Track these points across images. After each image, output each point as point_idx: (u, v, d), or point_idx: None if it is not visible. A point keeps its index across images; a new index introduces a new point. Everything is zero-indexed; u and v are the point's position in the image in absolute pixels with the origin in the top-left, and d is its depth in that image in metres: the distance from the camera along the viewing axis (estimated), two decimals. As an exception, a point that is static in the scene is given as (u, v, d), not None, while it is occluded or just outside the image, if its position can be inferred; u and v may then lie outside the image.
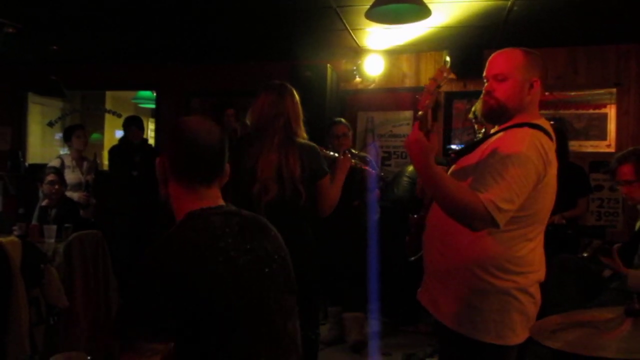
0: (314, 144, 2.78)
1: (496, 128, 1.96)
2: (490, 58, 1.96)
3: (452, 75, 1.84)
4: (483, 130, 3.32)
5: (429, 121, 1.78)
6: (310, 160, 2.69)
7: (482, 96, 1.96)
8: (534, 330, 1.52)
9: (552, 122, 2.02)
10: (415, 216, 2.19)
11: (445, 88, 5.41)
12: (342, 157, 2.96)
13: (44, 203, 4.51)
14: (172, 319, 1.30)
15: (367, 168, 3.62)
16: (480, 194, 1.66)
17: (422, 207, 2.20)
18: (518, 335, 1.82)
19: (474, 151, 1.95)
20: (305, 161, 2.67)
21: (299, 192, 2.64)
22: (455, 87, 5.44)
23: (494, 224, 1.67)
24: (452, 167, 2.03)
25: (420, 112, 1.78)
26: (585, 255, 2.84)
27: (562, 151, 2.66)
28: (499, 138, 1.86)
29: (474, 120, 3.54)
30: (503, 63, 1.91)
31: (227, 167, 1.58)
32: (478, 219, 1.67)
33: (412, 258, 2.21)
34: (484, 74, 1.96)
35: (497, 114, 1.92)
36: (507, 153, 1.73)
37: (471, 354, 1.85)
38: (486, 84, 1.95)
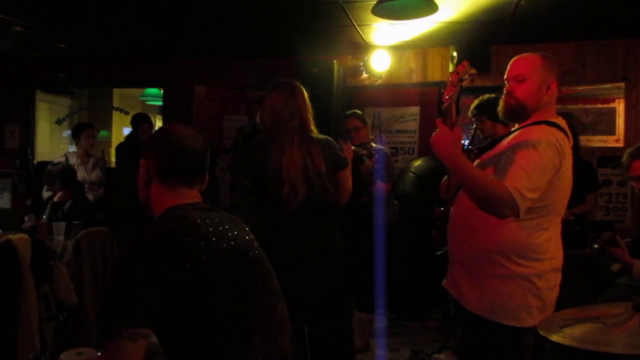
0: (329, 137, 2.81)
1: (516, 126, 2.13)
2: (510, 62, 2.12)
3: (473, 70, 1.98)
4: (474, 126, 3.41)
5: (453, 114, 1.91)
6: (331, 154, 2.74)
7: (503, 96, 2.11)
8: (541, 326, 1.54)
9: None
10: (442, 209, 2.32)
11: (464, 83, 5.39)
12: (344, 144, 2.98)
13: (56, 198, 4.53)
14: (155, 307, 1.32)
15: (365, 152, 3.58)
16: (505, 182, 1.81)
17: (447, 204, 2.32)
18: (534, 318, 1.94)
19: (495, 147, 2.12)
20: (328, 156, 2.70)
21: (327, 188, 2.68)
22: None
23: (516, 211, 1.80)
24: (476, 161, 2.19)
25: (445, 104, 1.90)
26: (595, 246, 2.83)
27: (573, 147, 2.68)
28: (518, 134, 2.01)
29: (473, 118, 3.56)
30: (522, 65, 2.07)
31: (206, 176, 1.67)
32: (505, 206, 1.80)
33: (439, 252, 2.34)
34: (505, 76, 2.12)
35: (517, 113, 2.08)
36: (527, 147, 1.88)
37: (491, 335, 2.00)
38: (507, 85, 2.09)
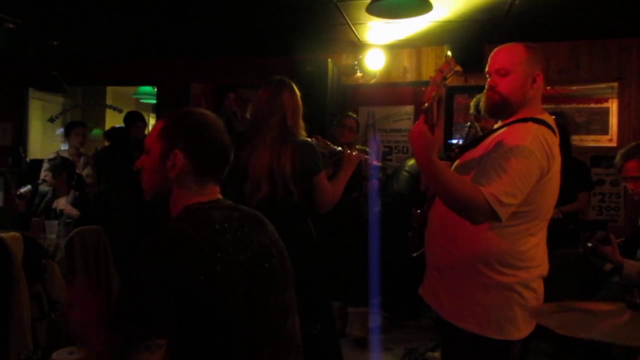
0: (309, 141, 2.73)
1: (500, 123, 1.96)
2: (492, 53, 1.96)
3: (457, 68, 1.80)
4: (469, 123, 3.33)
5: (435, 114, 1.74)
6: (303, 158, 2.64)
7: (485, 91, 1.95)
8: (532, 311, 1.49)
9: (554, 117, 2.00)
10: (419, 211, 2.15)
11: (448, 82, 5.39)
12: (348, 152, 2.86)
13: (63, 209, 4.51)
14: (169, 316, 1.26)
15: (374, 162, 3.54)
16: (482, 188, 1.67)
17: (425, 202, 2.17)
18: (520, 330, 1.82)
19: (477, 146, 1.94)
20: (298, 159, 2.62)
21: (291, 191, 2.61)
22: (456, 82, 5.43)
23: (495, 217, 1.68)
24: (456, 162, 2.03)
25: (425, 104, 1.73)
26: (589, 245, 2.82)
27: (564, 146, 2.67)
28: (502, 133, 1.85)
29: (474, 117, 3.54)
30: (505, 58, 1.91)
31: None
32: (479, 213, 1.67)
33: (415, 254, 2.18)
34: (487, 69, 1.96)
35: (501, 109, 1.92)
36: (511, 147, 1.73)
37: (473, 349, 1.84)
38: (489, 79, 1.94)
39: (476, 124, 3.52)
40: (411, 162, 4.99)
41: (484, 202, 1.65)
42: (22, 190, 4.43)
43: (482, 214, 1.67)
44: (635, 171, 2.92)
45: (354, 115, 4.53)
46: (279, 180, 2.59)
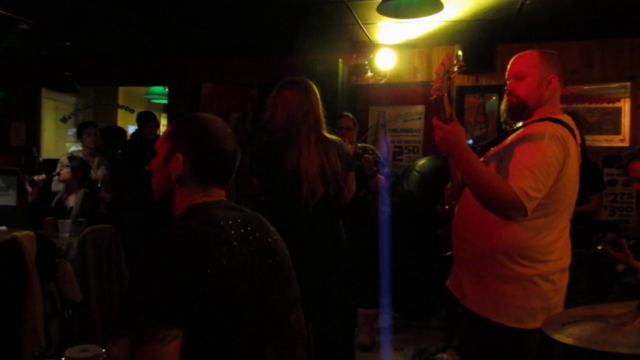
0: (339, 138, 2.85)
1: (520, 124, 2.09)
2: (510, 61, 2.11)
3: (460, 62, 1.87)
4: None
5: (447, 107, 1.82)
6: (343, 154, 2.76)
7: (505, 96, 2.10)
8: (545, 324, 1.52)
9: None
10: (446, 207, 2.27)
11: (457, 82, 5.38)
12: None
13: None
14: (178, 308, 1.29)
15: (367, 147, 3.57)
16: (511, 182, 1.78)
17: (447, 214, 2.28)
18: (537, 320, 1.89)
19: (498, 145, 2.09)
20: (343, 156, 2.73)
21: (341, 188, 2.71)
22: (467, 82, 5.41)
23: (523, 211, 1.78)
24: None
25: (432, 97, 1.82)
26: (599, 248, 2.83)
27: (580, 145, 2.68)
28: (521, 131, 1.99)
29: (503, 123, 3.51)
30: (521, 63, 2.07)
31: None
32: (511, 207, 1.78)
33: (448, 253, 2.26)
34: (506, 75, 2.11)
35: (519, 111, 2.05)
36: (530, 145, 1.86)
37: (493, 336, 1.96)
38: (507, 84, 2.09)
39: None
40: (421, 162, 4.98)
41: (515, 197, 1.75)
42: (36, 177, 4.44)
43: (513, 207, 1.77)
44: (639, 172, 2.92)
45: (349, 115, 4.50)
46: (331, 178, 2.65)
